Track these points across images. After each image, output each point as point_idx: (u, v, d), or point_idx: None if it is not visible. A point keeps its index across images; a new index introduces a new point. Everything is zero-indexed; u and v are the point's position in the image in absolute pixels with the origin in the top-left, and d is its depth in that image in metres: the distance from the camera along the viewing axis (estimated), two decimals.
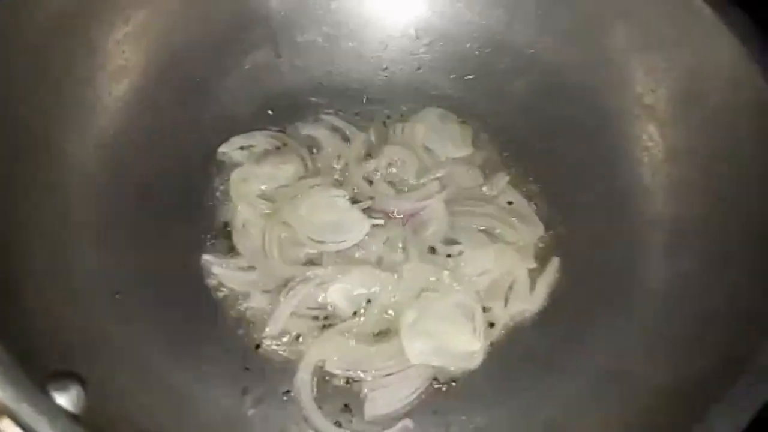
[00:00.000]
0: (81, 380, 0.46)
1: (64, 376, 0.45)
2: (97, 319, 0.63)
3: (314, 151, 0.81)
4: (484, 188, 0.79)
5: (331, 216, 0.74)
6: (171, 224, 0.73)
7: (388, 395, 0.66)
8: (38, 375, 0.44)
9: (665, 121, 0.75)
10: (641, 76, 0.77)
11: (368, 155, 0.81)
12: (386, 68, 0.87)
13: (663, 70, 0.75)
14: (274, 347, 0.68)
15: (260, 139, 0.80)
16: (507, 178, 0.79)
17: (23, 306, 0.56)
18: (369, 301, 0.70)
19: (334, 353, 0.68)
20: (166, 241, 0.72)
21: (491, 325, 0.70)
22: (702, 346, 0.60)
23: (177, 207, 0.75)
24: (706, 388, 0.55)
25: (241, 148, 0.79)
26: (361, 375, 0.67)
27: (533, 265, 0.73)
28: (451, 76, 0.86)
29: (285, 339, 0.69)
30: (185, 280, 0.71)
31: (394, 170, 0.80)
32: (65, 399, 0.43)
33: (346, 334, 0.69)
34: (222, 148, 0.79)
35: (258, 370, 0.67)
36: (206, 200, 0.76)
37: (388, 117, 0.84)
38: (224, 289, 0.71)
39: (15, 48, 0.66)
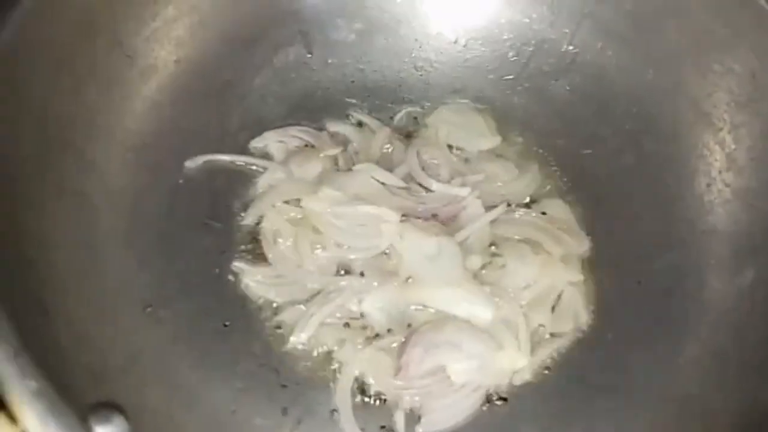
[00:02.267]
0: (123, 411, 0.42)
1: (106, 408, 0.42)
2: (128, 335, 0.60)
3: (346, 149, 0.77)
4: (524, 197, 0.76)
5: (358, 218, 0.71)
6: (201, 231, 0.70)
7: (442, 412, 0.63)
8: (79, 408, 0.40)
9: (723, 128, 0.71)
10: (695, 80, 0.73)
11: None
12: (421, 67, 0.83)
13: (720, 73, 0.71)
14: (307, 361, 0.65)
15: (294, 133, 0.77)
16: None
17: (51, 327, 0.52)
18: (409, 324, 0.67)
19: (372, 370, 0.65)
20: (197, 248, 0.69)
21: (537, 341, 0.67)
22: None
23: (207, 212, 0.71)
24: None
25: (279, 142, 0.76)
26: (402, 393, 0.64)
27: (580, 278, 0.70)
28: (490, 77, 0.82)
29: (317, 352, 0.65)
30: (218, 290, 0.67)
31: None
32: None
33: (384, 351, 0.65)
34: (254, 143, 0.76)
35: (295, 387, 0.63)
36: (236, 205, 0.73)
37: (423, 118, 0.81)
38: (257, 300, 0.68)
39: (38, 48, 0.63)
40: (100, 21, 0.68)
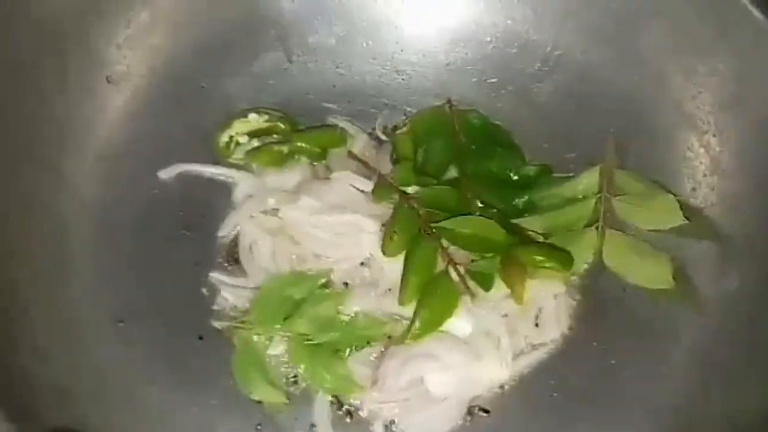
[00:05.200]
0: None
1: None
2: (97, 352, 0.59)
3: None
4: None
5: (337, 228, 0.69)
6: (176, 242, 0.69)
7: (422, 425, 0.62)
8: None
9: (708, 130, 0.70)
10: (680, 81, 0.72)
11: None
12: (403, 71, 0.81)
13: (704, 74, 0.70)
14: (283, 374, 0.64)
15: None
16: None
17: (14, 344, 0.51)
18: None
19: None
20: (172, 260, 0.68)
21: (520, 351, 0.65)
22: (758, 376, 0.56)
23: (182, 223, 0.70)
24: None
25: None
26: (380, 407, 0.62)
27: (563, 288, 0.68)
28: (473, 80, 0.80)
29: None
30: (193, 303, 0.66)
31: None
32: None
33: (362, 363, 0.64)
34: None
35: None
36: (212, 215, 0.71)
37: (405, 124, 0.79)
38: (234, 313, 0.66)
39: (3, 55, 0.61)
40: (69, 27, 0.67)
